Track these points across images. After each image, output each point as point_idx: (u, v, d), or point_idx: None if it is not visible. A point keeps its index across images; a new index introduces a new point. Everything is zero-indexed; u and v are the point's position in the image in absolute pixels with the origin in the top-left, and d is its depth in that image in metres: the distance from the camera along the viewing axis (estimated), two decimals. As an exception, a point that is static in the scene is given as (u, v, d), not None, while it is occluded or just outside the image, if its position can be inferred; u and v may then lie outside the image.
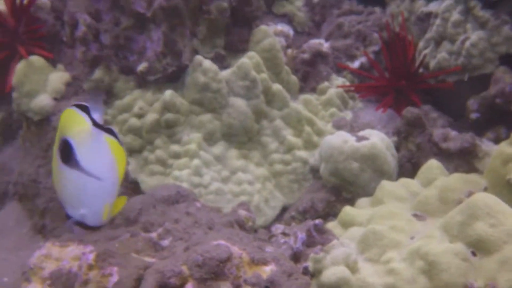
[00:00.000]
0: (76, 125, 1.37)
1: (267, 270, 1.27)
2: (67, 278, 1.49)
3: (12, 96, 2.25)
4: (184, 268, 1.21)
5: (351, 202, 2.04)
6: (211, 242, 1.27)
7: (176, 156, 2.17)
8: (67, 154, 1.36)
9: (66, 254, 1.55)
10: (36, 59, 2.23)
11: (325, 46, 2.64)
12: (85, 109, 1.40)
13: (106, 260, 1.26)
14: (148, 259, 1.31)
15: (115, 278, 1.22)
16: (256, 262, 1.29)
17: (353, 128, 2.40)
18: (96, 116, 1.42)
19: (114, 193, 1.46)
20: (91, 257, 1.27)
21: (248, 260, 1.28)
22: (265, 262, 1.29)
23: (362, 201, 1.97)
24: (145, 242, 1.39)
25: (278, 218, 2.23)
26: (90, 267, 1.26)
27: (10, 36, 2.29)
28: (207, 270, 1.21)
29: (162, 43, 2.17)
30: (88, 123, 1.38)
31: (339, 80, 2.60)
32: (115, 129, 2.15)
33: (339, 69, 2.65)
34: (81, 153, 1.37)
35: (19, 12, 2.29)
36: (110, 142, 1.42)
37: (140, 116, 2.21)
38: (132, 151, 2.21)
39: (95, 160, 1.40)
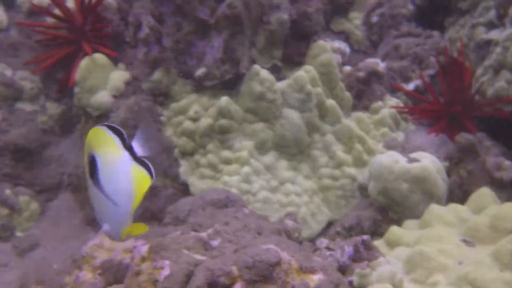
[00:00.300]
0: (107, 146, 1.41)
1: (314, 279, 1.28)
2: (118, 269, 1.53)
3: (73, 90, 2.32)
4: (234, 269, 1.23)
5: (398, 223, 2.03)
6: (262, 245, 1.29)
7: (227, 162, 2.20)
8: (93, 170, 1.40)
9: (117, 246, 1.59)
10: (99, 57, 2.30)
11: (381, 66, 2.64)
12: (119, 133, 1.43)
13: (158, 253, 1.28)
14: (199, 257, 1.34)
15: (166, 272, 1.24)
16: (304, 269, 1.30)
17: (404, 149, 2.39)
18: (136, 146, 1.45)
19: (127, 220, 1.50)
20: (145, 249, 1.29)
21: (296, 267, 1.29)
22: (313, 271, 1.30)
23: (409, 223, 1.96)
24: (195, 241, 1.41)
25: (323, 233, 2.24)
26: (143, 259, 1.29)
27: (77, 33, 2.37)
28: (256, 272, 1.22)
29: (222, 50, 2.21)
30: (120, 149, 1.42)
31: (393, 101, 2.59)
32: (169, 130, 2.21)
33: (394, 90, 2.65)
34: (104, 174, 1.41)
35: (86, 10, 2.37)
36: (136, 172, 1.45)
37: (194, 119, 2.25)
38: (184, 154, 2.25)
39: (115, 185, 1.43)
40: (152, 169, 1.47)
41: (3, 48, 2.43)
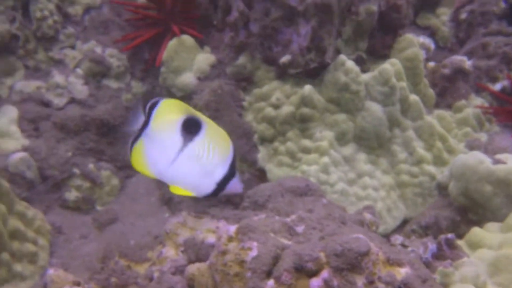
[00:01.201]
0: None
1: (402, 272, 1.26)
2: (200, 247, 1.56)
3: (158, 70, 2.36)
4: (322, 255, 1.23)
5: (477, 225, 1.97)
6: (349, 234, 1.28)
7: (306, 151, 2.20)
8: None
9: (200, 225, 1.62)
10: (187, 38, 2.33)
11: (468, 63, 2.57)
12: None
13: (246, 234, 1.29)
14: (285, 241, 1.34)
15: (254, 253, 1.25)
16: (391, 262, 1.28)
17: (487, 151, 2.33)
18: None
19: None
20: (233, 229, 1.31)
21: (383, 259, 1.28)
22: (400, 264, 1.28)
23: (491, 226, 1.91)
24: (281, 225, 1.42)
25: (398, 229, 2.21)
26: (231, 239, 1.30)
27: (166, 14, 2.40)
28: (344, 260, 1.22)
29: (308, 38, 2.20)
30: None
31: (477, 100, 2.53)
32: (250, 116, 2.22)
33: (479, 89, 2.58)
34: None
35: (177, -8, 2.40)
36: None
37: (276, 106, 2.25)
38: (263, 140, 2.26)
39: None
40: None
41: (94, 26, 2.50)
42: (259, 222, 1.38)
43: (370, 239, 1.32)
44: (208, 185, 1.41)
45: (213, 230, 1.58)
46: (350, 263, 1.22)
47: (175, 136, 1.38)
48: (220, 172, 1.41)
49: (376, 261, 1.26)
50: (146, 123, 1.39)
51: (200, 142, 1.38)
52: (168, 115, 1.38)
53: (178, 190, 1.44)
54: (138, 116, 1.40)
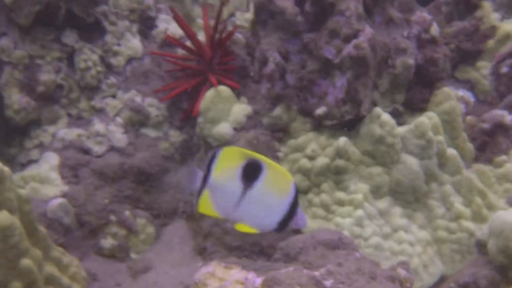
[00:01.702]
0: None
1: (431, 332, 1.23)
2: (228, 298, 1.54)
3: (196, 120, 2.40)
4: (348, 312, 1.21)
5: (518, 285, 1.92)
6: (378, 291, 1.26)
7: (341, 203, 2.18)
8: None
9: (229, 276, 1.61)
10: (224, 89, 2.37)
11: (508, 118, 2.53)
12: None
13: (272, 287, 1.28)
14: (312, 296, 1.32)
15: (279, 306, 1.24)
16: (421, 321, 1.25)
17: (528, 207, 2.26)
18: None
19: None
20: (259, 281, 1.30)
21: (412, 318, 1.24)
22: (430, 324, 1.25)
23: (532, 286, 1.84)
24: (308, 278, 1.40)
25: (434, 287, 2.15)
26: (257, 291, 1.29)
27: (205, 65, 2.46)
28: (371, 318, 1.19)
29: (344, 91, 2.21)
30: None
31: (518, 156, 2.48)
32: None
33: (520, 144, 2.54)
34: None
35: (216, 44, 2.46)
36: None
37: (311, 158, 2.26)
38: (298, 192, 2.25)
39: None
40: None
41: (136, 76, 2.57)
42: (285, 274, 1.37)
43: (399, 296, 1.29)
44: (270, 224, 1.45)
45: (242, 282, 1.56)
46: (377, 321, 1.19)
47: (236, 183, 1.43)
48: (280, 213, 1.44)
49: (405, 320, 1.22)
50: (206, 176, 1.44)
51: (259, 187, 1.42)
52: (228, 163, 1.43)
53: (243, 227, 1.48)
54: (195, 174, 1.45)
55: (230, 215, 1.46)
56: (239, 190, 1.42)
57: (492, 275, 2.01)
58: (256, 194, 1.41)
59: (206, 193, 1.45)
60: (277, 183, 1.43)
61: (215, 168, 1.43)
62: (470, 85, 2.83)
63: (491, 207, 2.26)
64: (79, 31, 2.51)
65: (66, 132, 2.44)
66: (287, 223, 1.47)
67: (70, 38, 2.50)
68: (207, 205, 1.47)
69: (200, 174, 1.44)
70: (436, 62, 2.39)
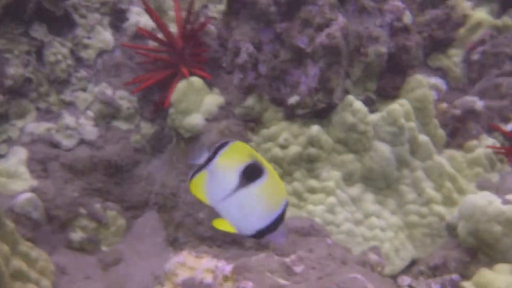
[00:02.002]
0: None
1: (400, 314, 1.23)
2: (198, 287, 1.53)
3: (167, 112, 2.38)
4: (317, 295, 1.21)
5: (487, 266, 1.92)
6: (347, 274, 1.26)
7: (313, 191, 2.18)
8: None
9: (200, 265, 1.60)
10: (196, 80, 2.35)
11: (479, 104, 2.55)
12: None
13: (242, 274, 1.27)
14: (282, 281, 1.32)
15: (248, 293, 1.23)
16: (390, 303, 1.25)
17: (498, 191, 2.28)
18: None
19: None
20: (229, 268, 1.29)
21: (381, 300, 1.25)
22: (399, 306, 1.25)
23: (501, 267, 1.85)
24: (279, 265, 1.40)
25: (405, 270, 2.16)
26: (226, 278, 1.28)
27: (176, 56, 2.44)
28: (340, 301, 1.19)
29: (317, 80, 2.20)
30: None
31: (489, 141, 2.50)
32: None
33: (490, 130, 2.55)
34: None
35: (188, 36, 2.43)
36: None
37: (283, 147, 2.25)
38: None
39: None
40: None
41: (107, 68, 2.54)
42: (256, 261, 1.36)
43: (369, 280, 1.29)
44: (248, 230, 1.43)
45: (213, 270, 1.55)
46: (346, 303, 1.19)
47: (233, 177, 1.41)
48: (263, 222, 1.43)
49: (373, 302, 1.22)
50: (210, 160, 1.44)
51: (252, 189, 1.41)
52: (235, 156, 1.42)
53: (222, 225, 1.46)
54: (203, 152, 1.44)
55: (216, 204, 1.44)
56: (234, 184, 1.41)
57: (461, 257, 2.03)
58: (247, 194, 1.40)
59: (203, 174, 1.44)
60: (270, 193, 1.41)
61: (221, 155, 1.42)
62: (442, 73, 2.84)
63: (461, 191, 2.28)
64: (48, 24, 2.47)
65: (34, 126, 2.40)
66: (265, 234, 1.45)
67: (39, 31, 2.46)
68: (199, 186, 1.46)
69: (206, 154, 1.43)
70: (409, 50, 2.39)
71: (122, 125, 2.51)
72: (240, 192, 1.39)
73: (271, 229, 1.40)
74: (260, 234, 1.41)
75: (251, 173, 1.38)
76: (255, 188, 1.37)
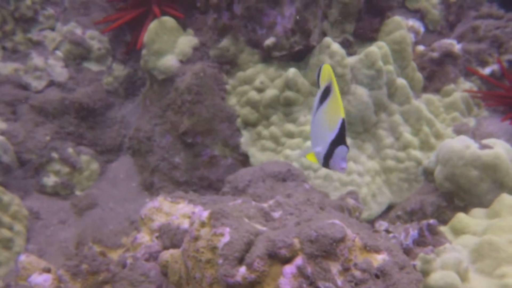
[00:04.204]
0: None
1: (379, 259, 1.22)
2: (175, 233, 1.51)
3: (140, 53, 2.30)
4: (296, 241, 1.19)
5: (464, 210, 1.94)
6: (326, 220, 1.24)
7: (290, 135, 2.15)
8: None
9: (176, 210, 1.58)
10: (168, 20, 2.27)
11: (457, 47, 2.52)
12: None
13: (219, 220, 1.25)
14: (259, 227, 1.30)
15: (226, 239, 1.21)
16: (369, 248, 1.24)
17: (475, 136, 2.29)
18: None
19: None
20: (206, 214, 1.26)
21: (360, 245, 1.24)
22: (377, 250, 1.24)
23: (477, 212, 1.87)
24: (257, 210, 1.38)
25: (383, 215, 2.17)
26: (203, 224, 1.26)
27: (148, -6, 2.35)
28: (319, 246, 1.17)
29: (293, 20, 2.14)
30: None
31: (466, 85, 2.48)
32: (233, 99, 2.18)
33: (468, 73, 2.53)
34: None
35: (160, -28, 2.34)
36: None
37: (260, 90, 2.21)
38: (246, 124, 2.21)
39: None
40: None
41: (75, 6, 2.44)
42: (233, 207, 1.34)
43: (348, 225, 1.28)
44: (318, 155, 1.41)
45: (189, 215, 1.53)
46: (325, 249, 1.18)
47: (317, 99, 1.41)
48: (324, 147, 1.41)
49: (353, 248, 1.21)
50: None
51: (320, 109, 1.40)
52: (322, 79, 1.41)
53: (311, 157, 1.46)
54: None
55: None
56: (316, 105, 1.40)
57: (438, 202, 2.04)
58: (319, 113, 1.39)
59: None
60: (330, 113, 1.40)
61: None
62: (420, 15, 2.78)
63: (438, 136, 2.27)
64: (11, -42, 2.36)
65: (1, 66, 2.31)
66: (333, 150, 1.43)
67: (2, -33, 2.35)
68: None
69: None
70: (387, -10, 2.34)
71: (93, 67, 2.44)
72: (317, 112, 1.39)
73: (330, 151, 1.38)
74: (331, 149, 1.39)
75: (326, 94, 1.37)
76: (322, 107, 1.37)
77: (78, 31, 2.40)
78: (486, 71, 2.52)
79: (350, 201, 1.76)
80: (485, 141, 2.06)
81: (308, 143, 2.10)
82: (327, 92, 1.36)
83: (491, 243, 1.51)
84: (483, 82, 2.52)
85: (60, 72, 2.36)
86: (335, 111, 1.38)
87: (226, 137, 2.21)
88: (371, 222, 2.06)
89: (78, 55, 2.40)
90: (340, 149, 1.31)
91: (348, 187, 2.11)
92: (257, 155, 2.17)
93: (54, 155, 2.27)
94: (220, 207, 1.29)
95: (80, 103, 2.34)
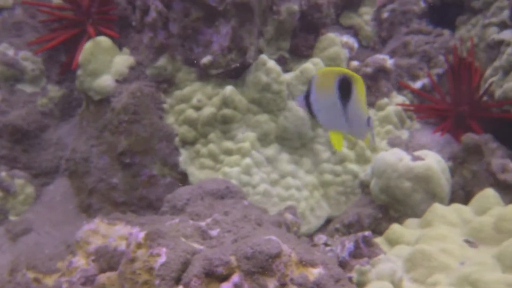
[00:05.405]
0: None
1: (315, 273, 1.25)
2: (112, 255, 1.50)
3: (75, 74, 2.28)
4: (233, 259, 1.20)
5: (399, 221, 1.99)
6: (262, 236, 1.26)
7: (228, 152, 2.17)
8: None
9: (113, 232, 1.56)
10: (103, 40, 2.26)
11: (389, 62, 2.60)
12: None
13: (155, 240, 1.25)
14: (197, 246, 1.30)
15: (162, 259, 1.21)
16: (305, 263, 1.26)
17: (408, 148, 2.35)
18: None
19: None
20: (141, 235, 1.26)
21: (296, 260, 1.26)
22: (313, 264, 1.26)
23: (411, 222, 1.93)
24: (194, 229, 1.38)
25: (321, 229, 2.21)
26: (139, 245, 1.25)
27: (82, 14, 2.33)
28: (255, 263, 1.19)
29: (229, 38, 2.17)
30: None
31: (399, 98, 2.56)
32: (171, 118, 2.18)
33: (400, 87, 2.61)
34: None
35: (93, -8, 2.33)
36: None
37: (197, 108, 2.22)
38: (185, 143, 2.22)
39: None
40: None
41: (6, 27, 2.40)
42: (170, 227, 1.34)
43: (284, 240, 1.30)
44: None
45: (126, 237, 1.52)
46: (261, 265, 1.19)
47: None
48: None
49: (289, 263, 1.23)
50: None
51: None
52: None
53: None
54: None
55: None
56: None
57: (374, 214, 2.09)
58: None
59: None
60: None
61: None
62: (354, 31, 2.86)
63: (373, 149, 2.33)
64: None
65: None
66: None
67: None
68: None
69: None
70: (320, 7, 2.39)
71: (27, 88, 2.39)
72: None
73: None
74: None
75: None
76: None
77: (10, 52, 2.36)
78: (417, 84, 2.61)
79: (288, 216, 1.79)
80: (417, 153, 2.12)
81: (247, 160, 2.12)
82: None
83: (423, 252, 1.55)
84: (414, 96, 2.60)
85: (-8, 94, 2.31)
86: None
87: (165, 156, 2.20)
88: (310, 236, 2.09)
89: (11, 77, 2.36)
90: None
91: (287, 202, 2.14)
92: (196, 173, 2.18)
93: (-13, 179, 2.22)
94: (156, 227, 1.29)
95: (13, 126, 2.29)
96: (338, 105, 1.48)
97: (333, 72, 1.47)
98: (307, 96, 1.51)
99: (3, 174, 2.25)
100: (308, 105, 1.52)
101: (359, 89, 1.47)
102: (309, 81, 1.50)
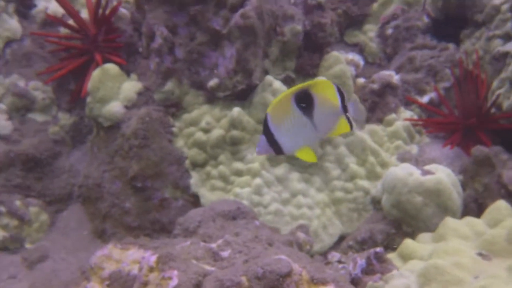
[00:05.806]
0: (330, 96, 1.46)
1: (326, 291, 1.25)
2: (126, 280, 1.51)
3: (85, 101, 2.31)
4: (244, 279, 1.21)
5: (411, 236, 1.99)
6: (272, 256, 1.26)
7: (239, 173, 2.18)
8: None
9: (126, 257, 1.57)
10: (111, 67, 2.29)
11: (395, 78, 2.61)
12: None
13: (167, 264, 1.26)
14: (208, 267, 1.31)
15: (174, 282, 1.22)
16: (316, 281, 1.27)
17: (418, 162, 2.36)
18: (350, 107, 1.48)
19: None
20: (153, 259, 1.27)
21: (307, 279, 1.26)
22: (324, 282, 1.27)
23: (424, 236, 1.92)
24: (205, 251, 1.39)
25: (335, 246, 2.20)
26: (151, 269, 1.27)
27: (90, 43, 2.37)
28: (266, 283, 1.20)
29: (234, 61, 2.19)
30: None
31: (407, 113, 2.56)
32: (180, 142, 2.20)
33: (408, 102, 2.62)
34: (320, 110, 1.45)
35: (100, 21, 2.37)
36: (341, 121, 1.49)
37: (206, 131, 2.24)
38: (195, 165, 2.23)
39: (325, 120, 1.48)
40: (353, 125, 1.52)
41: (16, 59, 2.44)
42: (181, 250, 1.35)
43: (295, 259, 1.31)
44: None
45: (139, 261, 1.53)
46: (272, 285, 1.20)
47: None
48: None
49: (300, 281, 1.24)
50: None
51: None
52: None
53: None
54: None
55: None
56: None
57: (387, 229, 2.08)
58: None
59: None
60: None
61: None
62: (359, 48, 2.89)
63: (384, 165, 2.33)
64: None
65: None
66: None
67: None
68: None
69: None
70: (324, 27, 2.41)
71: (38, 117, 2.43)
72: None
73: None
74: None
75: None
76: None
77: (21, 83, 2.40)
78: (425, 99, 2.62)
79: (301, 235, 1.79)
80: (427, 167, 2.12)
81: (257, 180, 2.13)
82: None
83: (436, 267, 1.55)
84: (422, 110, 2.61)
85: (4, 125, 2.34)
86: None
87: (176, 179, 2.22)
88: (324, 254, 2.09)
89: (22, 107, 2.39)
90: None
91: (299, 220, 2.14)
92: (207, 195, 2.19)
93: (2, 208, 2.24)
94: (167, 251, 1.30)
95: (26, 155, 2.32)
96: (304, 119, 1.44)
97: (286, 94, 1.42)
98: (268, 135, 1.44)
99: (18, 203, 2.28)
100: (273, 144, 1.45)
101: (322, 91, 1.43)
102: (264, 121, 1.44)
